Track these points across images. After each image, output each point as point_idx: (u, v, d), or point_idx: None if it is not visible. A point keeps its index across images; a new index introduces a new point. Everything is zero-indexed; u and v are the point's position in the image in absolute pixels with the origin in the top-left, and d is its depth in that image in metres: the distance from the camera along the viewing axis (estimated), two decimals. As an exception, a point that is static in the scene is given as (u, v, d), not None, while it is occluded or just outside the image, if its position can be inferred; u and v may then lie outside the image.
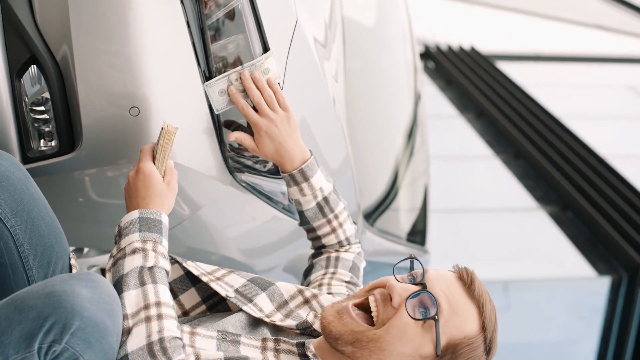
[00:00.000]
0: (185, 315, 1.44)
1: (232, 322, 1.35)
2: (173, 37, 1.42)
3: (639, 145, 6.66)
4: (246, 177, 1.61)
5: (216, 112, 1.48)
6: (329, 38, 1.96)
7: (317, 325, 1.36)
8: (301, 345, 1.29)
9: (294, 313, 1.40)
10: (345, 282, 1.55)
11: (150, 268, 1.24)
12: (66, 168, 1.47)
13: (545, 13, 9.70)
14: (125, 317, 1.17)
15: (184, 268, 1.45)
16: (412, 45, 3.74)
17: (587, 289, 5.06)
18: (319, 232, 1.60)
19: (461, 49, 7.92)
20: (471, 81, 7.18)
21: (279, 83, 1.50)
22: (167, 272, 1.27)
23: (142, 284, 1.21)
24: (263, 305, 1.40)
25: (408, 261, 1.33)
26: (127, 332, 1.16)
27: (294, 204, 1.58)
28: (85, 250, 1.86)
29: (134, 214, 1.29)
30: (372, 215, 2.63)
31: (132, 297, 1.20)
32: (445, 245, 4.67)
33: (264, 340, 1.30)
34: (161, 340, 1.15)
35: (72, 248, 1.69)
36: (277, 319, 1.38)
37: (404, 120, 3.40)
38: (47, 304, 1.04)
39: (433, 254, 3.65)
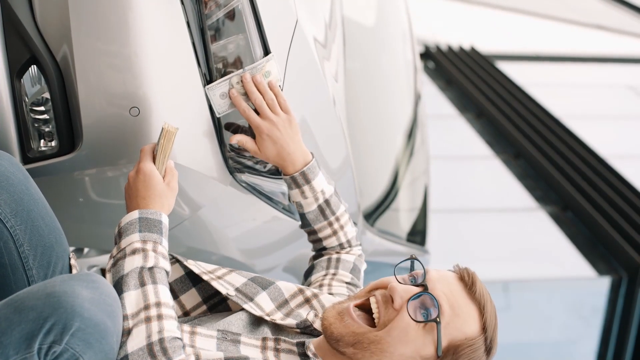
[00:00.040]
0: (186, 316, 1.44)
1: (233, 322, 1.35)
2: (173, 37, 1.42)
3: (639, 145, 6.66)
4: (246, 177, 1.61)
5: (217, 115, 1.48)
6: (329, 38, 1.96)
7: (317, 325, 1.36)
8: (301, 345, 1.29)
9: (295, 312, 1.40)
10: (346, 283, 1.55)
11: (151, 268, 1.24)
12: (66, 168, 1.47)
13: (545, 13, 9.70)
14: (125, 317, 1.17)
15: (184, 268, 1.45)
16: (412, 45, 3.74)
17: (587, 289, 5.06)
18: (320, 235, 1.60)
19: (461, 49, 7.92)
20: (471, 81, 7.18)
21: (279, 85, 1.50)
22: (167, 273, 1.27)
23: (142, 284, 1.21)
24: (263, 304, 1.40)
25: (408, 261, 1.33)
26: (127, 332, 1.16)
27: (295, 206, 1.58)
28: (85, 250, 1.86)
29: (134, 214, 1.29)
30: (372, 215, 2.63)
31: (132, 298, 1.20)
32: (445, 245, 4.67)
33: (264, 339, 1.30)
34: (161, 341, 1.15)
35: (72, 248, 1.69)
36: (278, 317, 1.38)
37: (404, 120, 3.40)
38: (47, 304, 1.04)
39: (433, 254, 3.65)
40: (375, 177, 2.89)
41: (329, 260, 1.60)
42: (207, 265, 1.46)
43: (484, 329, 1.25)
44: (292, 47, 1.61)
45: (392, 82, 3.37)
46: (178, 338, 1.17)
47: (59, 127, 1.45)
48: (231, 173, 1.57)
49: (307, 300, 1.43)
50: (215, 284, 1.39)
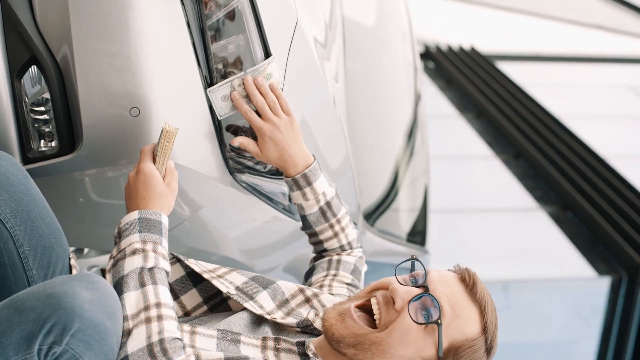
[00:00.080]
0: (186, 316, 1.44)
1: (234, 322, 1.35)
2: (173, 38, 1.42)
3: (639, 145, 6.66)
4: (246, 177, 1.61)
5: (219, 118, 1.48)
6: (329, 38, 1.95)
7: (317, 324, 1.36)
8: (301, 345, 1.29)
9: (295, 311, 1.40)
10: (346, 284, 1.55)
11: (150, 269, 1.24)
12: (66, 168, 1.47)
13: (545, 13, 9.70)
14: (125, 318, 1.17)
15: (185, 268, 1.45)
16: (412, 45, 3.74)
17: (587, 289, 5.06)
18: (321, 237, 1.60)
19: (461, 49, 7.92)
20: (471, 81, 7.18)
21: (280, 87, 1.50)
22: (167, 273, 1.27)
23: (142, 285, 1.21)
24: (264, 303, 1.40)
25: (409, 261, 1.33)
26: (127, 333, 1.16)
27: (296, 208, 1.59)
28: (86, 250, 1.86)
29: (134, 215, 1.29)
30: (372, 215, 2.63)
31: (132, 298, 1.19)
32: (445, 245, 4.67)
33: (264, 339, 1.30)
34: (161, 342, 1.15)
35: (72, 248, 1.69)
36: (278, 316, 1.38)
37: (404, 120, 3.40)
38: (47, 305, 1.04)
39: (433, 254, 3.65)
40: (375, 177, 2.88)
41: (330, 261, 1.60)
42: (208, 264, 1.46)
43: (484, 329, 1.25)
44: (292, 47, 1.61)
45: (392, 82, 3.37)
46: (178, 339, 1.17)
47: (59, 128, 1.45)
48: (231, 173, 1.57)
49: (307, 300, 1.43)
50: (216, 283, 1.39)
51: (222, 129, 1.52)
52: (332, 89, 1.88)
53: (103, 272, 1.90)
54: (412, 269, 1.31)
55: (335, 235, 1.60)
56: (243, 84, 1.46)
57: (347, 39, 2.29)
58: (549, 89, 7.29)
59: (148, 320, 1.17)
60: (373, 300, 1.27)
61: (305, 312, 1.40)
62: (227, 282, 1.41)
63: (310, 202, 1.55)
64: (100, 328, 1.07)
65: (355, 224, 1.68)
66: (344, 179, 2.06)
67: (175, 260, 1.45)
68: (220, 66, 1.48)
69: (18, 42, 1.41)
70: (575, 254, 5.11)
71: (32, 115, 1.44)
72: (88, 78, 1.40)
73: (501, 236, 5.27)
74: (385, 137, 3.20)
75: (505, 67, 7.54)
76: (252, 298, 1.40)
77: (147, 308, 1.18)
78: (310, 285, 1.58)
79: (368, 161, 2.71)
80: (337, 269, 1.58)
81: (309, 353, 1.27)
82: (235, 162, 1.57)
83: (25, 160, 1.46)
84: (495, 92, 6.93)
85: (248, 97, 1.47)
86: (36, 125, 1.45)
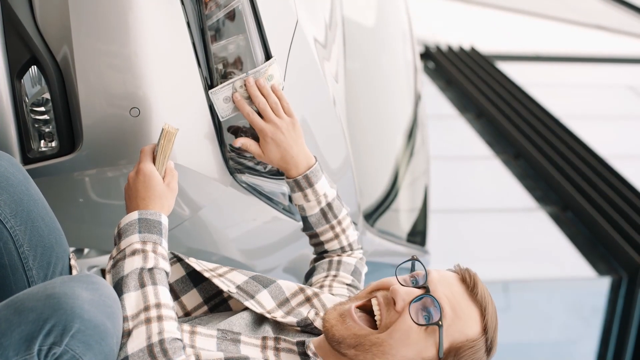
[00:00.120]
0: (187, 317, 1.44)
1: (235, 322, 1.35)
2: (173, 38, 1.42)
3: (639, 145, 6.66)
4: (246, 177, 1.61)
5: (221, 119, 1.48)
6: (329, 38, 1.95)
7: (318, 323, 1.36)
8: (301, 344, 1.29)
9: (295, 310, 1.41)
10: (347, 284, 1.55)
11: (150, 269, 1.24)
12: (66, 169, 1.47)
13: (545, 13, 9.70)
14: (125, 319, 1.17)
15: (185, 268, 1.45)
16: (412, 45, 3.74)
17: (587, 289, 5.06)
18: (322, 238, 1.61)
19: (461, 49, 7.92)
20: (471, 81, 7.18)
21: (282, 88, 1.51)
22: (167, 273, 1.27)
23: (142, 285, 1.21)
24: (264, 302, 1.40)
25: (409, 261, 1.33)
26: (127, 334, 1.16)
27: (297, 209, 1.59)
28: (86, 250, 1.86)
29: (134, 215, 1.29)
30: (372, 215, 2.63)
31: (132, 299, 1.19)
32: (445, 246, 4.66)
33: (264, 339, 1.30)
34: (161, 342, 1.15)
35: (72, 249, 1.68)
36: (279, 315, 1.38)
37: (404, 120, 3.40)
38: (47, 306, 1.04)
39: (433, 254, 3.65)
40: (375, 178, 2.88)
41: (330, 262, 1.60)
42: (208, 263, 1.46)
43: (485, 330, 1.25)
44: (293, 47, 1.61)
45: (392, 82, 3.37)
46: (178, 339, 1.17)
47: (59, 128, 1.45)
48: (231, 174, 1.57)
49: (307, 299, 1.43)
50: (216, 281, 1.39)
51: (222, 129, 1.52)
52: (332, 89, 1.88)
53: (103, 273, 1.90)
54: (413, 269, 1.31)
55: (336, 236, 1.60)
56: (245, 85, 1.46)
57: (347, 39, 2.29)
58: (549, 89, 7.29)
59: (148, 320, 1.17)
60: (374, 301, 1.27)
61: (306, 312, 1.40)
62: (228, 281, 1.41)
63: (311, 204, 1.55)
64: (100, 329, 1.07)
65: (355, 224, 1.68)
66: (344, 179, 2.05)
67: (175, 260, 1.45)
68: (220, 66, 1.48)
69: (18, 42, 1.41)
70: (575, 254, 5.11)
71: (32, 115, 1.44)
72: (88, 78, 1.40)
73: (501, 236, 5.27)
74: (385, 137, 3.20)
75: (505, 67, 7.54)
76: (252, 297, 1.40)
77: (147, 309, 1.18)
78: (310, 285, 1.58)
79: (368, 161, 2.71)
80: (338, 270, 1.58)
81: (309, 353, 1.27)
82: (236, 163, 1.57)
83: (26, 160, 1.46)
84: (495, 92, 6.93)
85: (250, 99, 1.47)
86: (36, 125, 1.45)
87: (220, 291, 1.45)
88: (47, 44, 1.43)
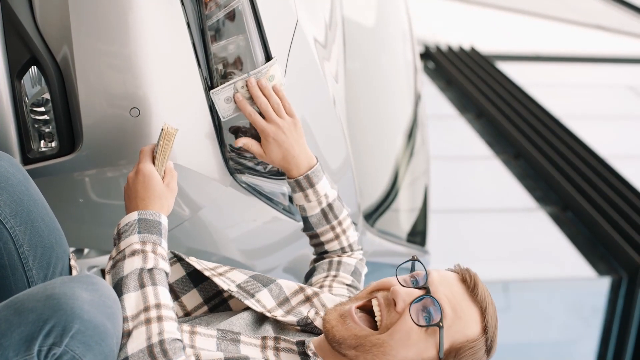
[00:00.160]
0: (187, 317, 1.44)
1: (235, 322, 1.35)
2: (173, 38, 1.42)
3: (639, 145, 6.66)
4: (246, 178, 1.61)
5: (222, 120, 1.48)
6: (329, 38, 1.95)
7: (318, 322, 1.36)
8: (301, 344, 1.29)
9: (295, 310, 1.41)
10: (347, 285, 1.55)
11: (150, 270, 1.24)
12: (66, 169, 1.47)
13: (545, 13, 9.70)
14: (125, 319, 1.17)
15: (185, 268, 1.45)
16: (412, 45, 3.74)
17: (587, 289, 5.06)
18: (322, 238, 1.61)
19: (461, 49, 7.92)
20: (471, 81, 7.18)
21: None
22: (166, 274, 1.27)
23: (142, 286, 1.21)
24: (265, 301, 1.40)
25: (409, 262, 1.33)
26: (127, 334, 1.16)
27: (298, 209, 1.59)
28: (86, 251, 1.86)
29: (133, 216, 1.29)
30: (372, 215, 2.63)
31: (131, 300, 1.19)
32: (445, 246, 4.66)
33: (264, 338, 1.30)
34: (161, 343, 1.15)
35: (72, 249, 1.68)
36: (279, 314, 1.38)
37: (404, 120, 3.40)
38: (47, 306, 1.04)
39: (433, 254, 3.65)
40: (375, 178, 2.88)
41: (330, 262, 1.60)
42: (209, 263, 1.46)
43: (485, 330, 1.25)
44: (293, 47, 1.61)
45: (392, 82, 3.37)
46: (178, 339, 1.17)
47: (59, 128, 1.45)
48: (231, 174, 1.57)
49: (307, 299, 1.44)
50: (217, 280, 1.39)
51: (222, 130, 1.52)
52: (332, 89, 1.88)
53: (103, 273, 1.90)
54: (413, 269, 1.31)
55: (337, 237, 1.60)
56: (246, 85, 1.46)
57: (347, 39, 2.29)
58: (549, 89, 7.29)
59: (148, 321, 1.17)
60: (374, 302, 1.27)
61: (306, 311, 1.40)
62: (228, 280, 1.42)
63: (312, 204, 1.55)
64: (100, 329, 1.07)
65: (355, 224, 1.68)
66: (344, 179, 2.05)
67: (175, 259, 1.45)
68: (220, 66, 1.48)
69: (18, 42, 1.41)
70: (575, 254, 5.10)
71: (32, 115, 1.44)
72: (88, 78, 1.40)
73: (501, 236, 5.27)
74: (385, 137, 3.20)
75: (505, 67, 7.54)
76: (252, 296, 1.40)
77: (147, 309, 1.18)
78: (310, 285, 1.58)
79: (368, 161, 2.71)
80: (338, 270, 1.58)
81: (309, 352, 1.27)
82: (236, 163, 1.57)
83: (26, 160, 1.46)
84: (495, 92, 6.93)
85: (251, 99, 1.47)
86: (36, 125, 1.45)
87: (220, 291, 1.45)
88: (47, 44, 1.43)
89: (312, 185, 1.53)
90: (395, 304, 1.23)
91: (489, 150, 6.34)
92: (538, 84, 7.31)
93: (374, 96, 2.98)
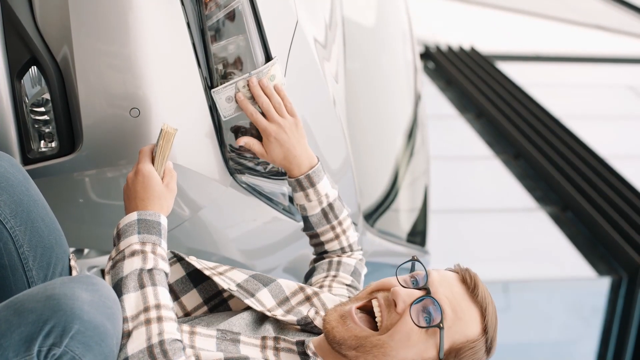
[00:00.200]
0: (186, 317, 1.44)
1: (235, 322, 1.35)
2: (173, 38, 1.42)
3: (639, 145, 6.66)
4: (247, 178, 1.61)
5: (223, 119, 1.48)
6: (329, 39, 1.95)
7: (318, 322, 1.36)
8: (301, 344, 1.29)
9: (295, 309, 1.41)
10: (346, 285, 1.55)
11: (150, 270, 1.24)
12: (66, 169, 1.47)
13: (545, 13, 9.70)
14: (125, 320, 1.17)
15: (185, 268, 1.45)
16: (412, 45, 3.74)
17: (587, 289, 5.06)
18: (322, 238, 1.61)
19: (461, 49, 7.92)
20: (471, 81, 7.18)
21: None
22: (166, 274, 1.27)
23: (142, 286, 1.21)
24: (265, 300, 1.40)
25: (410, 262, 1.33)
26: (127, 335, 1.16)
27: (299, 209, 1.59)
28: (86, 251, 1.86)
29: (133, 216, 1.29)
30: (372, 215, 2.63)
31: (131, 300, 1.19)
32: (445, 246, 4.66)
33: (264, 338, 1.30)
34: (161, 343, 1.15)
35: (72, 249, 1.68)
36: (279, 314, 1.38)
37: (404, 120, 3.40)
38: (46, 307, 1.04)
39: (433, 254, 3.65)
40: (375, 178, 2.88)
41: (330, 262, 1.60)
42: (209, 262, 1.46)
43: (485, 330, 1.25)
44: (293, 47, 1.61)
45: (392, 82, 3.37)
46: (178, 340, 1.17)
47: (59, 128, 1.45)
48: (231, 174, 1.57)
49: (307, 298, 1.44)
50: (217, 280, 1.39)
51: (222, 130, 1.52)
52: (332, 90, 1.88)
53: (103, 273, 1.90)
54: (413, 269, 1.31)
55: (337, 237, 1.60)
56: (248, 85, 1.46)
57: (347, 39, 2.29)
58: (549, 89, 7.29)
59: (148, 321, 1.17)
60: (374, 302, 1.27)
61: (306, 310, 1.40)
62: (228, 279, 1.42)
63: (312, 204, 1.56)
64: (100, 330, 1.07)
65: (355, 224, 1.68)
66: (344, 179, 2.05)
67: (175, 259, 1.45)
68: (220, 67, 1.48)
69: (18, 42, 1.41)
70: (575, 254, 5.11)
71: (32, 115, 1.44)
72: (88, 78, 1.40)
73: (501, 236, 5.27)
74: (385, 137, 3.20)
75: (505, 67, 7.54)
76: (252, 295, 1.40)
77: (146, 309, 1.18)
78: (310, 285, 1.58)
79: (368, 161, 2.71)
80: (337, 270, 1.58)
81: (309, 352, 1.27)
82: (236, 163, 1.57)
83: (26, 161, 1.46)
84: (495, 92, 6.93)
85: (252, 99, 1.47)
86: (36, 125, 1.45)
87: (220, 291, 1.45)
88: (47, 44, 1.43)
89: (313, 184, 1.53)
90: (395, 305, 1.23)
91: (489, 150, 6.34)
92: (538, 84, 7.31)
93: (374, 96, 2.98)
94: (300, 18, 1.65)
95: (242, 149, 1.53)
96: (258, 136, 1.51)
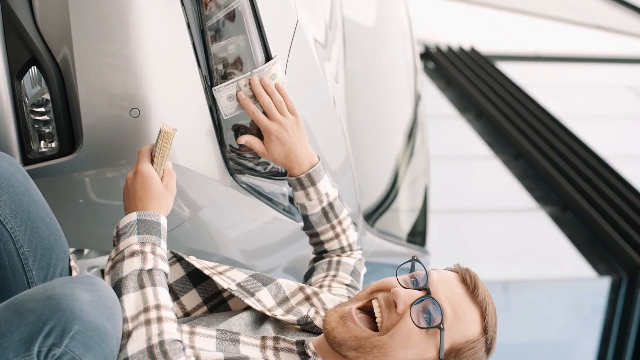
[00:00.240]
0: (186, 317, 1.44)
1: (235, 322, 1.35)
2: (173, 38, 1.42)
3: (639, 145, 6.66)
4: (246, 178, 1.61)
5: (225, 118, 1.48)
6: (329, 39, 1.95)
7: (317, 322, 1.36)
8: (301, 344, 1.29)
9: (295, 309, 1.41)
10: (346, 285, 1.55)
11: (149, 270, 1.24)
12: (66, 169, 1.47)
13: (545, 13, 9.69)
14: (125, 320, 1.17)
15: (185, 268, 1.45)
16: (412, 45, 3.74)
17: (587, 289, 5.06)
18: (322, 237, 1.61)
19: (461, 49, 7.92)
20: (471, 81, 7.18)
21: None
22: (166, 275, 1.27)
23: (142, 286, 1.21)
24: (264, 300, 1.40)
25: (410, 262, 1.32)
26: (127, 335, 1.16)
27: (299, 208, 1.59)
28: (86, 251, 1.86)
29: (132, 216, 1.29)
30: (372, 215, 2.63)
31: (131, 300, 1.19)
32: (445, 246, 4.66)
33: (264, 338, 1.30)
34: (161, 343, 1.15)
35: (72, 249, 1.68)
36: (279, 313, 1.38)
37: (404, 120, 3.40)
38: (46, 307, 1.04)
39: (433, 254, 3.65)
40: (375, 178, 2.88)
41: (330, 262, 1.60)
42: (208, 262, 1.46)
43: (485, 330, 1.25)
44: (293, 47, 1.61)
45: (392, 82, 3.37)
46: (178, 340, 1.17)
47: (59, 128, 1.45)
48: (231, 174, 1.57)
49: (307, 298, 1.44)
50: (216, 279, 1.39)
51: (222, 130, 1.52)
52: (332, 90, 1.88)
53: (103, 273, 1.90)
54: (413, 269, 1.31)
55: (337, 236, 1.60)
56: (249, 83, 1.46)
57: (347, 39, 2.29)
58: (549, 89, 7.29)
59: (148, 322, 1.17)
60: (375, 303, 1.27)
61: (306, 310, 1.40)
62: (228, 279, 1.42)
63: (313, 202, 1.56)
64: (100, 330, 1.07)
65: (355, 224, 1.68)
66: (344, 179, 2.05)
67: (175, 259, 1.45)
68: (220, 67, 1.48)
69: (18, 42, 1.41)
70: (575, 254, 5.11)
71: (32, 116, 1.44)
72: (88, 79, 1.40)
73: (501, 236, 5.27)
74: (385, 137, 3.20)
75: (505, 67, 7.54)
76: (252, 295, 1.40)
77: (146, 310, 1.18)
78: (310, 285, 1.58)
79: (368, 161, 2.71)
80: (337, 270, 1.58)
81: (309, 352, 1.27)
82: (236, 163, 1.57)
83: (26, 161, 1.46)
84: (495, 92, 6.93)
85: (253, 97, 1.47)
86: (36, 126, 1.45)
87: (220, 291, 1.45)
88: (47, 44, 1.43)
89: (313, 183, 1.53)
90: (395, 306, 1.23)
91: (489, 150, 6.34)
92: (538, 84, 7.31)
93: (374, 96, 2.98)
94: (300, 18, 1.65)
95: (243, 148, 1.53)
96: (259, 135, 1.51)
